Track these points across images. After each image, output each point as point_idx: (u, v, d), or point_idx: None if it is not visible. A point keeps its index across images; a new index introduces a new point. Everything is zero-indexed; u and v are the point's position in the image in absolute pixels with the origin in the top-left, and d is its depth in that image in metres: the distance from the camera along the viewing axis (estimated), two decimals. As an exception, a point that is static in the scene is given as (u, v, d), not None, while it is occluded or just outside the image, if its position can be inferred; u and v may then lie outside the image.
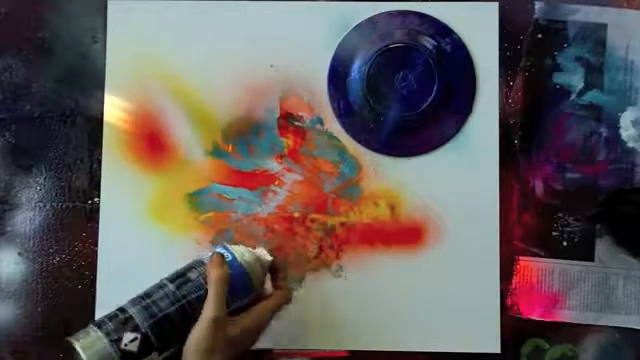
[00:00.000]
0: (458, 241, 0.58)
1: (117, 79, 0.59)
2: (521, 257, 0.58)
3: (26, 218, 0.59)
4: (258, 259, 0.51)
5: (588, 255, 0.58)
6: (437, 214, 0.58)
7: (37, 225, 0.59)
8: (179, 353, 0.46)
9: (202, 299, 0.47)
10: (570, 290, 0.57)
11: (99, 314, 0.58)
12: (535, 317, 0.57)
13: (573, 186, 0.58)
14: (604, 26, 0.59)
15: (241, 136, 0.59)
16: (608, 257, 0.58)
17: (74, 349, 0.45)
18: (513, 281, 0.58)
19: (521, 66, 0.59)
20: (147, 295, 0.48)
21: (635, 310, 0.57)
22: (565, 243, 0.58)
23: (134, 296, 0.48)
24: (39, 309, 0.58)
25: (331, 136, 0.59)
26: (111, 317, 0.47)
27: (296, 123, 0.59)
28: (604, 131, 0.58)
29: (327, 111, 0.59)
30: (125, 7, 0.60)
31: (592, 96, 0.59)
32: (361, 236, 0.58)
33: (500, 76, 0.59)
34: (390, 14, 0.59)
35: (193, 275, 0.49)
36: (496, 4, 0.59)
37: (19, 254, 0.59)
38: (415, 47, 0.58)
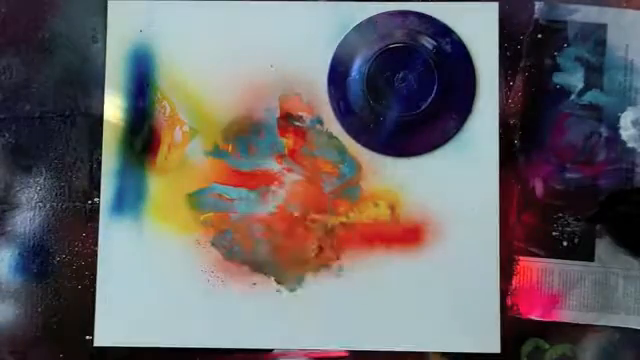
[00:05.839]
0: (458, 241, 0.58)
1: (117, 79, 0.59)
2: (521, 257, 0.58)
3: (26, 218, 0.59)
4: None
5: (588, 255, 0.58)
6: (437, 214, 0.58)
7: (37, 225, 0.59)
8: None
9: None
10: (570, 290, 0.57)
11: (99, 314, 0.58)
12: (535, 317, 0.57)
13: (573, 186, 0.58)
14: (604, 26, 0.59)
15: (241, 136, 0.59)
16: (608, 257, 0.58)
17: None
18: (513, 281, 0.58)
19: (521, 66, 0.59)
20: None
21: (635, 310, 0.57)
22: (565, 243, 0.58)
23: None
24: (39, 309, 0.58)
25: (331, 136, 0.59)
26: None
27: (296, 123, 0.59)
28: (604, 131, 0.58)
29: (327, 111, 0.59)
30: (125, 7, 0.60)
31: (592, 96, 0.59)
32: (361, 236, 0.58)
33: (500, 76, 0.59)
34: (390, 14, 0.59)
35: None
36: (496, 4, 0.59)
37: (19, 254, 0.59)
38: (415, 47, 0.58)
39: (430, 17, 0.59)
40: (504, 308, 0.57)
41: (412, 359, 0.57)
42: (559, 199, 0.58)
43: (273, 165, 0.59)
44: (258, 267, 0.58)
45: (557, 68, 0.59)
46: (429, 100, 0.58)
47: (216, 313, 0.58)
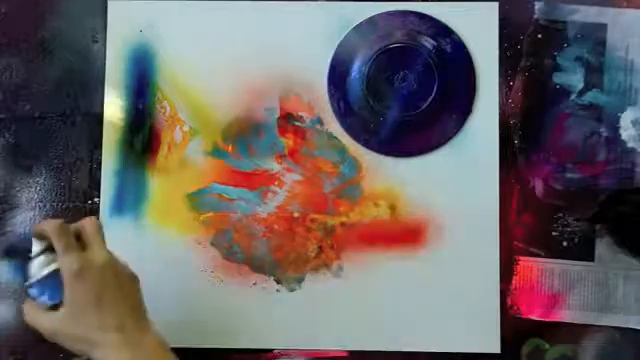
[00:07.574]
0: (458, 241, 0.58)
1: (117, 79, 0.59)
2: (521, 257, 0.58)
3: (26, 218, 0.59)
4: None
5: (588, 255, 0.58)
6: (437, 214, 0.58)
7: (37, 225, 0.59)
8: None
9: None
10: (570, 290, 0.57)
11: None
12: (535, 317, 0.57)
13: (573, 186, 0.58)
14: (604, 26, 0.59)
15: (241, 136, 0.59)
16: (608, 257, 0.58)
17: None
18: (513, 281, 0.58)
19: (521, 66, 0.59)
20: None
21: (635, 310, 0.57)
22: (565, 243, 0.58)
23: None
24: (39, 309, 0.58)
25: (331, 136, 0.59)
26: None
27: (296, 123, 0.59)
28: (604, 131, 0.58)
29: (327, 111, 0.59)
30: (125, 7, 0.60)
31: (592, 96, 0.58)
32: (361, 236, 0.58)
33: (500, 76, 0.59)
34: (390, 14, 0.59)
35: None
36: (496, 4, 0.59)
37: (19, 254, 0.59)
38: (415, 47, 0.58)
39: (430, 17, 0.59)
40: (504, 308, 0.57)
41: (412, 359, 0.57)
42: (559, 199, 0.58)
43: (273, 165, 0.59)
44: (258, 267, 0.58)
45: (557, 68, 0.59)
46: (429, 100, 0.58)
47: (216, 313, 0.58)
